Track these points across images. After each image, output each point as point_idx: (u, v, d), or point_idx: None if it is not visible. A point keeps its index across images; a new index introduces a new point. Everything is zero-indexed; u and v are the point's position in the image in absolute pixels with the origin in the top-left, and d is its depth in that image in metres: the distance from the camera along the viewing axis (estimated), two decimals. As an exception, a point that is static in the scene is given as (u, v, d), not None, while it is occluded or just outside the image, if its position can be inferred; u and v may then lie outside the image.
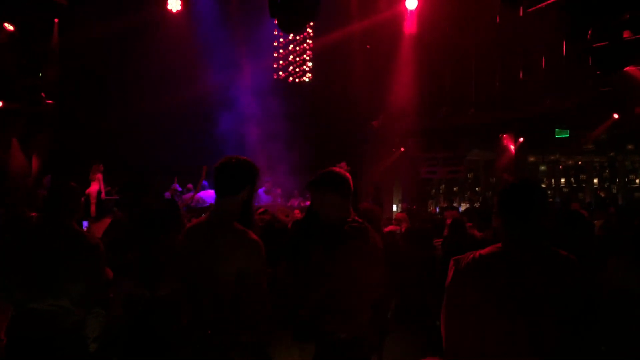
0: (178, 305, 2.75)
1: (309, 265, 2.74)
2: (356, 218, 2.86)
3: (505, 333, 2.03)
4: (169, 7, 11.13)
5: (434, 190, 19.06)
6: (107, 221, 5.66)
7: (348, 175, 2.94)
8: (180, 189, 13.39)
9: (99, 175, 12.70)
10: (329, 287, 2.63)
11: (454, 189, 19.33)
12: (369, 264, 2.68)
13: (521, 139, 15.38)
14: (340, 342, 2.60)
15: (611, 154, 18.10)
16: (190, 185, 13.81)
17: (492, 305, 2.06)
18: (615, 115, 14.29)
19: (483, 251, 2.18)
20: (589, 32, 9.31)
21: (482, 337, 2.07)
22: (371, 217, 4.76)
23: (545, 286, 2.05)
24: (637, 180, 18.19)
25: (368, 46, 16.10)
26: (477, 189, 19.50)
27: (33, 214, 7.01)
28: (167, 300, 3.20)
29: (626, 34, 9.25)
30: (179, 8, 11.22)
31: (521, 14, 12.48)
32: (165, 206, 3.58)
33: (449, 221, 7.23)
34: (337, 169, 2.99)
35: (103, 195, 12.72)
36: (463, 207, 16.94)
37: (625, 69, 10.41)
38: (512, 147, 15.42)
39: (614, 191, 18.45)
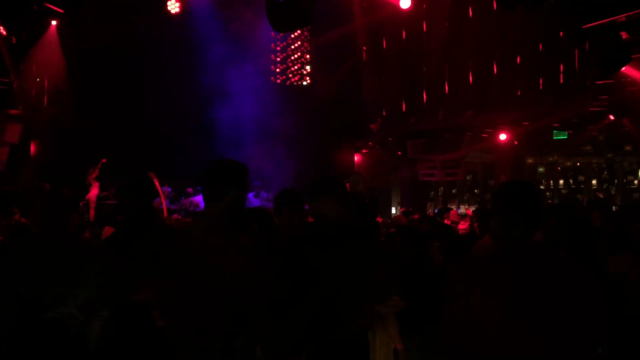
0: (150, 310, 2.75)
1: (305, 269, 2.71)
2: (353, 222, 2.85)
3: (508, 338, 1.97)
4: (169, 8, 11.11)
5: (432, 193, 19.05)
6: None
7: (344, 181, 2.94)
8: (169, 189, 13.32)
9: (93, 177, 12.55)
10: (324, 291, 2.60)
11: (453, 191, 19.33)
12: (366, 267, 2.65)
13: (519, 141, 15.38)
14: (334, 346, 2.58)
15: (609, 155, 18.12)
16: (189, 190, 13.77)
17: (493, 310, 2.00)
18: (611, 117, 14.31)
19: (482, 254, 2.13)
20: (587, 33, 9.36)
21: (483, 342, 2.01)
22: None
23: (550, 289, 2.00)
24: (636, 182, 18.21)
25: (364, 47, 16.09)
26: (475, 191, 19.49)
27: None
28: (141, 305, 3.20)
29: (624, 35, 9.31)
30: (177, 10, 11.19)
31: (519, 16, 12.48)
32: (139, 211, 3.50)
33: (447, 222, 7.23)
34: (333, 176, 2.99)
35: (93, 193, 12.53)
36: (462, 210, 16.93)
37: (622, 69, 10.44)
38: (510, 149, 15.41)
39: (613, 192, 18.46)
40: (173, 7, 11.14)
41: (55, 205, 3.23)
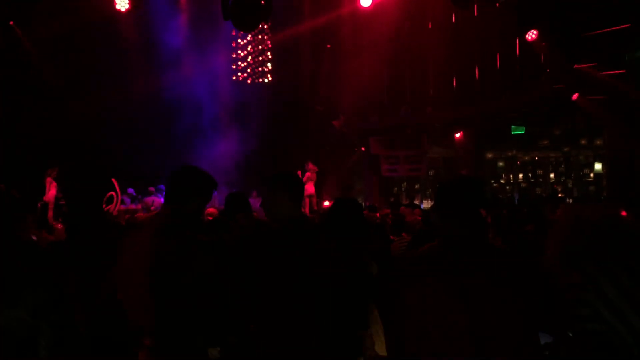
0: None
1: (250, 265, 2.71)
2: (305, 220, 2.86)
3: (448, 333, 1.98)
4: (117, 6, 10.88)
5: (396, 188, 19.23)
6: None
7: (301, 179, 2.96)
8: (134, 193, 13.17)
9: (50, 179, 12.22)
10: (265, 290, 2.60)
11: (416, 186, 19.54)
12: (313, 266, 2.65)
13: (478, 136, 15.66)
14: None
15: (566, 149, 18.59)
16: (152, 189, 13.58)
17: (431, 305, 2.01)
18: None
19: (419, 250, 2.12)
20: (536, 30, 9.55)
21: (423, 339, 2.02)
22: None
23: (489, 282, 2.02)
24: (591, 174, 18.72)
25: (328, 45, 16.13)
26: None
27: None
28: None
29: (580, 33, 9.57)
30: (127, 7, 10.98)
31: (476, 13, 12.71)
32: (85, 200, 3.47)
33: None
34: (290, 172, 2.99)
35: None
36: (424, 205, 17.14)
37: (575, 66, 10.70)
38: (471, 144, 15.68)
39: (570, 185, 18.96)
40: (122, 4, 10.92)
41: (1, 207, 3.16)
